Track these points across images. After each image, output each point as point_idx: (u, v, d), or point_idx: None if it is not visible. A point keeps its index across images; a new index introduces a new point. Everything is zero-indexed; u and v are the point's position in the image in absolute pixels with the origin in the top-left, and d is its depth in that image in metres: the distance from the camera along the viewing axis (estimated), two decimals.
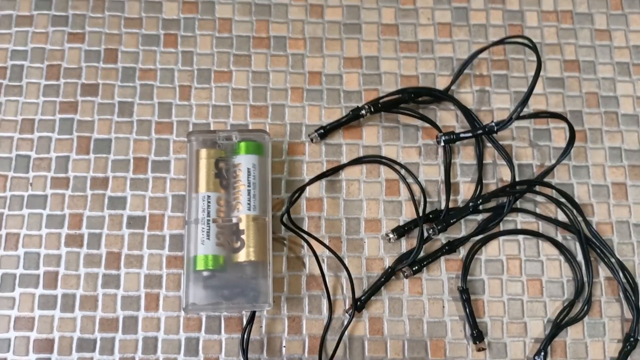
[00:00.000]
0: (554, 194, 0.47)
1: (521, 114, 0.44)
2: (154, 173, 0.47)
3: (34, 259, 0.45)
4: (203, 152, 0.44)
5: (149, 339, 0.44)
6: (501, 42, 0.48)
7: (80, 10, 0.51)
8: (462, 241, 0.46)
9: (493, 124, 0.45)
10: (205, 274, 0.42)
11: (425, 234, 0.45)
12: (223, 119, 0.49)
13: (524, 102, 0.43)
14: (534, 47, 0.44)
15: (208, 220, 0.42)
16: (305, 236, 0.45)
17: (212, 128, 0.48)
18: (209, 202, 0.43)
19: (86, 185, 0.47)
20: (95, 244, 0.46)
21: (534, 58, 0.50)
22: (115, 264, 0.45)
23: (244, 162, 0.44)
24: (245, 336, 0.43)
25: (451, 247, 0.45)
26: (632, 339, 0.43)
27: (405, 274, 0.44)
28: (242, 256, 0.42)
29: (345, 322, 0.44)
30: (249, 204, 0.43)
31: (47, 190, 0.47)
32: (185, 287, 0.41)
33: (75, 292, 0.45)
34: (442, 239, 0.46)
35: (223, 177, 0.44)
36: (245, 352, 0.43)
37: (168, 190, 0.47)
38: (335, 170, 0.47)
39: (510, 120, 0.44)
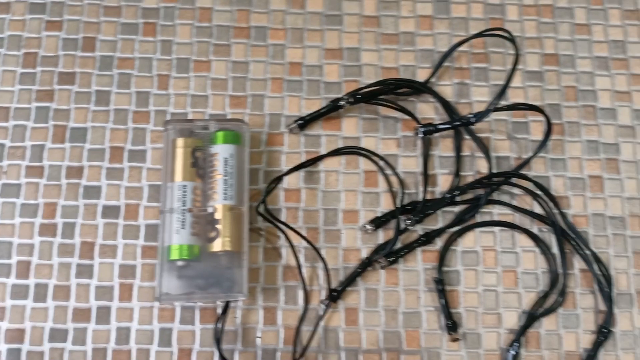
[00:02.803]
0: (530, 186, 0.47)
1: (499, 106, 0.44)
2: (130, 162, 0.47)
3: (7, 248, 0.45)
4: (180, 141, 0.44)
5: (122, 330, 0.43)
6: (480, 34, 0.48)
7: None
8: (438, 232, 0.46)
9: (471, 115, 0.45)
10: (179, 263, 0.41)
11: (402, 225, 0.45)
12: (201, 109, 0.48)
13: (502, 93, 0.43)
14: (511, 39, 0.44)
15: (183, 209, 0.42)
16: (282, 227, 0.45)
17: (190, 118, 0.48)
18: (184, 191, 0.43)
19: (61, 174, 0.46)
20: (70, 234, 0.45)
21: (514, 52, 0.50)
22: (90, 253, 0.45)
23: (221, 151, 0.44)
24: (220, 327, 0.42)
25: (428, 238, 0.45)
26: (605, 330, 0.43)
27: (382, 264, 0.44)
28: (217, 246, 0.42)
29: (321, 313, 0.44)
30: (225, 193, 0.43)
31: (21, 179, 0.46)
32: (159, 276, 0.41)
33: (48, 282, 0.44)
34: (419, 230, 0.46)
35: (199, 166, 0.44)
36: (219, 342, 0.42)
37: (144, 180, 0.47)
38: (314, 161, 0.47)
39: (487, 111, 0.44)
